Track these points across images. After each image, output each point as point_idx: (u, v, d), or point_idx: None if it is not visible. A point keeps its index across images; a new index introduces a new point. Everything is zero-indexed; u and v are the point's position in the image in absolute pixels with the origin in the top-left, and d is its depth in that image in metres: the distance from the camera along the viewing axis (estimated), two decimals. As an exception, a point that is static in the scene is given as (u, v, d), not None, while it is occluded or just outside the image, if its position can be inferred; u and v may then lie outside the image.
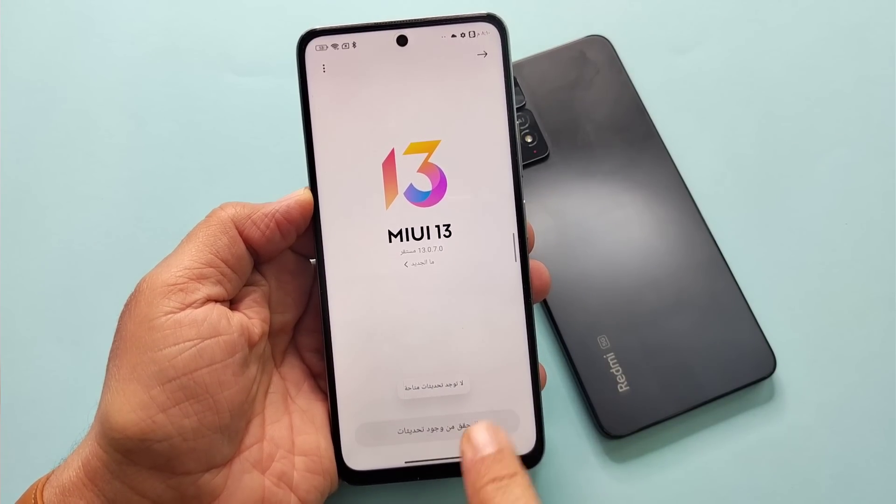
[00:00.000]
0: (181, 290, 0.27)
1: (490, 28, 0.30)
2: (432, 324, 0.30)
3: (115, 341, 0.27)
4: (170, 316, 0.26)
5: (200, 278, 0.27)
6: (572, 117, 0.39)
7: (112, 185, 0.39)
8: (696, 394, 0.34)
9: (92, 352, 0.35)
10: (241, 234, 0.29)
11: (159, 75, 0.41)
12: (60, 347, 0.36)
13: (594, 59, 0.40)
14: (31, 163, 0.39)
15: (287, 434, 0.30)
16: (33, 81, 0.41)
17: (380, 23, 0.30)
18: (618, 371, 0.35)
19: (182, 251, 0.28)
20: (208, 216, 0.29)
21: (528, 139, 0.38)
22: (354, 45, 0.30)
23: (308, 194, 0.30)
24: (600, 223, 0.37)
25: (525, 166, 0.38)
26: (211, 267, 0.28)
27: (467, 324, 0.30)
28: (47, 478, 0.26)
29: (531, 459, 0.30)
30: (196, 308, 0.27)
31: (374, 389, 0.30)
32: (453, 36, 0.30)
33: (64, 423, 0.35)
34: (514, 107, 0.30)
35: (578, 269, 0.36)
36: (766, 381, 0.35)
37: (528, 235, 0.31)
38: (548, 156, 0.38)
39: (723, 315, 0.36)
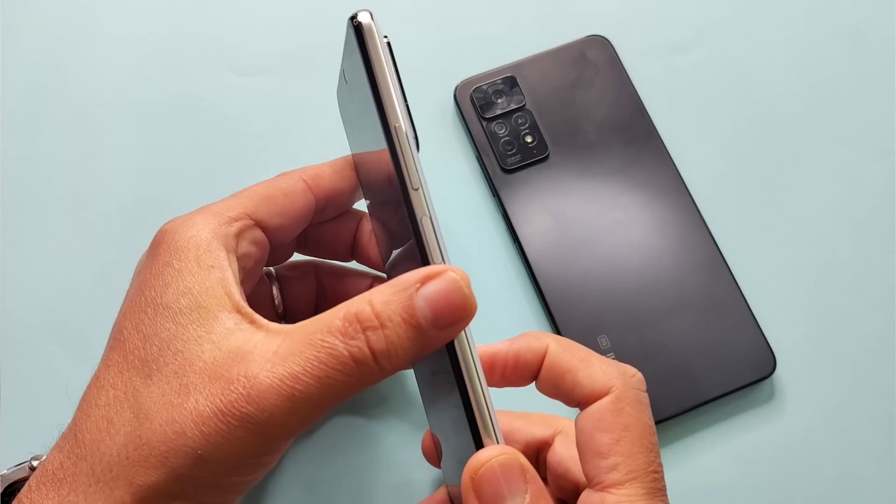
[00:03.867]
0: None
1: None
2: None
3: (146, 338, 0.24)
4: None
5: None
6: (572, 117, 0.39)
7: (112, 185, 0.39)
8: (696, 394, 0.34)
9: (92, 352, 0.35)
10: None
11: (159, 75, 0.41)
12: (60, 347, 0.36)
13: (594, 59, 0.40)
14: (31, 162, 0.39)
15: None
16: (34, 81, 0.41)
17: None
18: (618, 371, 0.35)
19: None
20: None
21: (528, 139, 0.38)
22: None
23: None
24: (600, 223, 0.37)
25: (525, 166, 0.38)
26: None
27: None
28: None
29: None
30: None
31: None
32: None
33: (64, 423, 0.35)
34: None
35: (578, 269, 0.36)
36: (766, 381, 0.35)
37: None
38: (548, 156, 0.38)
39: (723, 315, 0.36)
